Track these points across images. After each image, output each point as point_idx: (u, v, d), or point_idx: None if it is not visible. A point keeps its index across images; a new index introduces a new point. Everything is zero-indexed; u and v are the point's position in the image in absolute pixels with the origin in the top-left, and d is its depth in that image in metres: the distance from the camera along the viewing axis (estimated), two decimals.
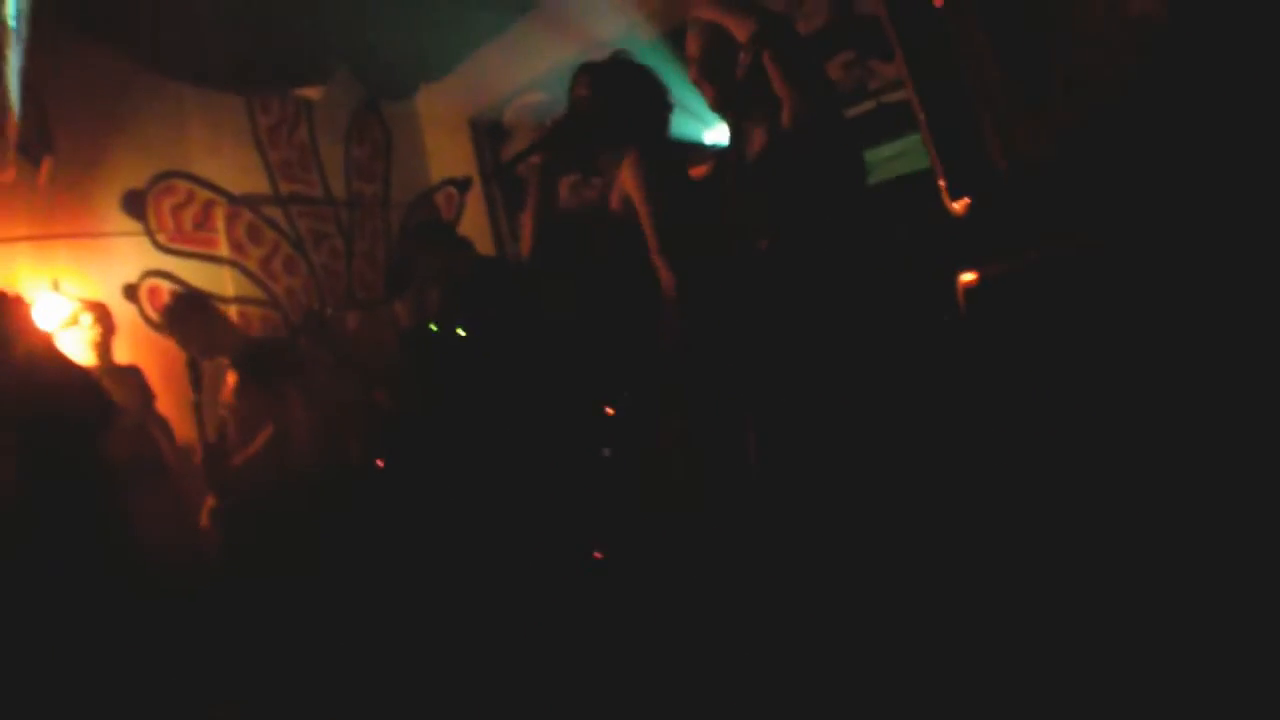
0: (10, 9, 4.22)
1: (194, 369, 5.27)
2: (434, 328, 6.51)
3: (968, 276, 2.88)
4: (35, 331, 4.59)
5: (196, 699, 4.51)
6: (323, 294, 7.34)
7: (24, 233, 5.45)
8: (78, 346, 5.52)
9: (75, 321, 5.50)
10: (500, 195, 7.94)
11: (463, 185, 7.85)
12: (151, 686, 4.23)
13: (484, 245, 7.68)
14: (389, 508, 5.85)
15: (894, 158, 5.05)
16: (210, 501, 5.40)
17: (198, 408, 5.21)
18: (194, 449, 5.40)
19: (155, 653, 4.34)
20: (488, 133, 7.92)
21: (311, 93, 7.45)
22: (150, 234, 6.32)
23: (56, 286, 5.55)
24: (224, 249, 6.81)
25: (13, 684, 3.79)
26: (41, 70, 5.04)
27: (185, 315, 5.59)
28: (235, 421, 5.49)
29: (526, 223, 3.76)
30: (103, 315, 5.55)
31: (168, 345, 6.09)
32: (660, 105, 3.59)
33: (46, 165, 5.54)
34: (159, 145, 6.42)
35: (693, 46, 3.27)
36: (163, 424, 5.58)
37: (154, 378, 5.62)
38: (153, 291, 6.25)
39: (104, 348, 5.51)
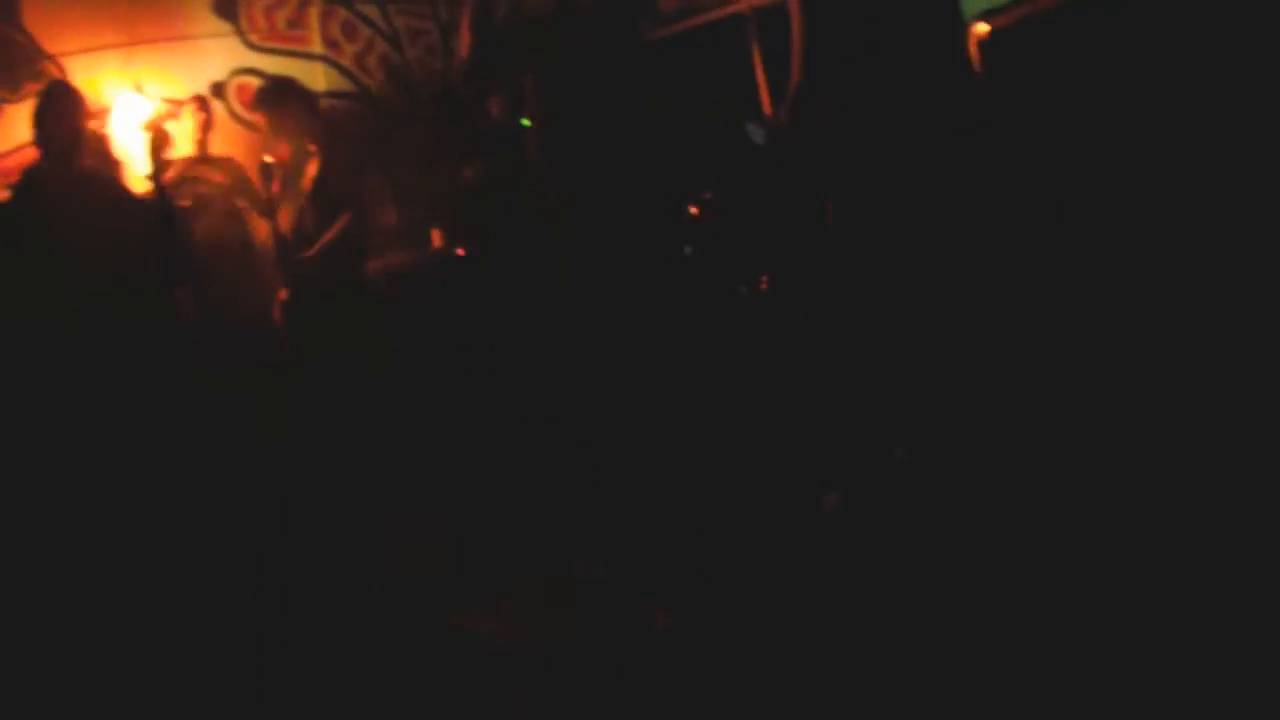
0: None
1: (266, 170, 5.78)
2: (526, 122, 6.84)
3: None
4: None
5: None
6: (417, 90, 7.65)
7: (109, 40, 5.99)
8: (176, 137, 6.15)
9: (161, 118, 6.10)
10: None
11: None
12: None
13: None
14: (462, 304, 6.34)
15: None
16: (281, 294, 5.84)
17: (271, 205, 5.75)
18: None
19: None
20: None
21: None
22: (241, 34, 6.76)
23: (139, 89, 6.09)
24: (317, 45, 7.15)
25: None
26: None
27: (277, 99, 5.94)
28: (313, 211, 5.86)
29: None
30: (201, 106, 6.11)
31: (255, 141, 6.59)
32: None
33: None
34: None
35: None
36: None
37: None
38: (241, 89, 6.70)
39: (202, 139, 6.11)
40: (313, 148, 5.84)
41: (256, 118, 6.12)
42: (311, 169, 5.82)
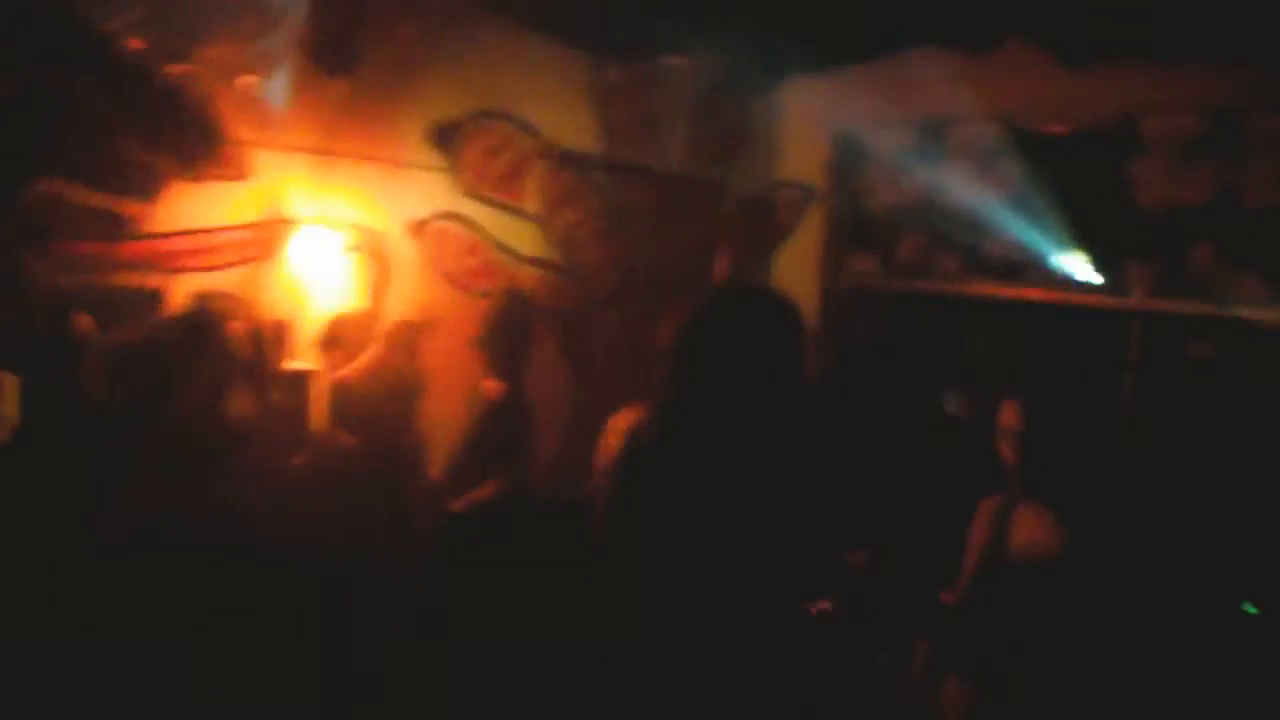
0: None
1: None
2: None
3: None
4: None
5: None
6: (631, 271, 6.55)
7: (307, 144, 4.85)
8: (351, 283, 4.95)
9: (349, 251, 4.93)
10: (844, 222, 7.05)
11: (808, 193, 7.05)
12: None
13: (806, 268, 7.01)
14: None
15: None
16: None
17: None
18: None
19: None
20: (851, 149, 6.94)
21: (667, 63, 6.65)
22: (454, 172, 5.64)
23: (328, 221, 4.94)
24: (534, 205, 6.09)
25: None
26: None
27: (517, 319, 4.86)
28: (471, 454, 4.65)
29: None
30: (378, 256, 4.94)
31: (446, 294, 5.50)
32: None
33: (343, 83, 4.94)
34: (483, 84, 5.73)
35: None
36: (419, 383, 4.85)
37: (429, 328, 4.94)
38: (443, 234, 5.59)
39: (378, 293, 4.90)
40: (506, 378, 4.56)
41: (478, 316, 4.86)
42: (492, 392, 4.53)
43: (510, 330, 4.69)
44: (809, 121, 6.98)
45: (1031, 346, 5.99)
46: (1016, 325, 6.10)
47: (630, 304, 6.53)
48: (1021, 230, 5.99)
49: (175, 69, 4.16)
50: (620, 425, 2.80)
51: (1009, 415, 3.57)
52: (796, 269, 7.06)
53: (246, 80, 4.45)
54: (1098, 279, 5.83)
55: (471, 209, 5.74)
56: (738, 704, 2.66)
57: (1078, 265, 5.87)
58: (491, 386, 4.51)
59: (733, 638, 2.68)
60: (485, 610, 3.72)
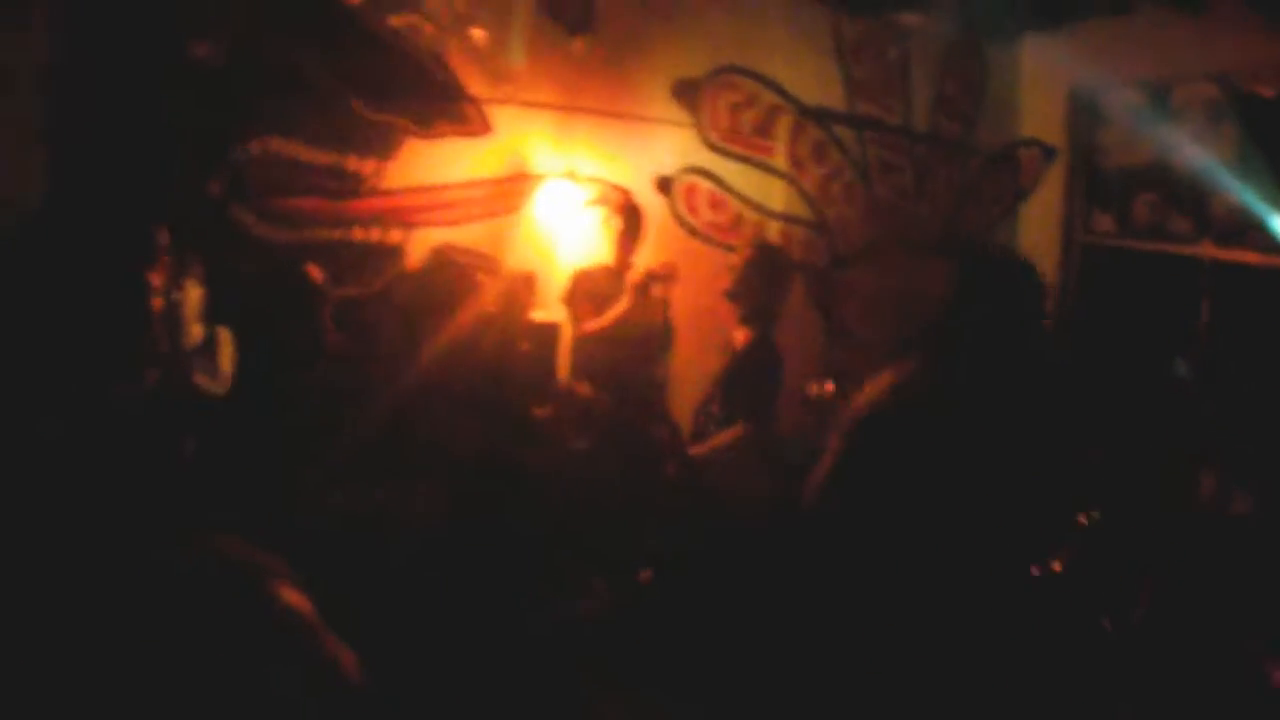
0: None
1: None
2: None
3: None
4: None
5: None
6: (879, 226, 6.24)
7: (547, 100, 4.76)
8: (596, 237, 4.83)
9: (594, 205, 4.81)
10: (1084, 180, 6.62)
11: (1049, 153, 6.70)
12: None
13: (1048, 227, 6.70)
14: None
15: None
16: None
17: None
18: None
19: None
20: (1086, 107, 6.49)
21: (908, 19, 6.30)
22: (700, 128, 5.47)
23: (573, 176, 4.83)
24: (782, 161, 5.85)
25: None
26: None
27: (769, 271, 4.57)
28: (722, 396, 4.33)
29: None
30: (631, 210, 4.80)
31: (693, 248, 5.32)
32: None
33: (584, 39, 4.84)
34: (725, 40, 5.56)
35: None
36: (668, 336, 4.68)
37: (676, 282, 4.76)
38: (690, 189, 5.44)
39: (624, 248, 4.75)
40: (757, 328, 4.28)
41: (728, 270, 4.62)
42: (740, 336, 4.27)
43: (761, 282, 4.43)
44: (1046, 79, 6.65)
45: (1253, 313, 5.57)
46: (1240, 290, 5.68)
47: (880, 259, 6.23)
48: (1243, 193, 5.55)
49: (396, 20, 4.11)
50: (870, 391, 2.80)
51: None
52: (1038, 227, 6.75)
53: (476, 33, 4.38)
54: None
55: (718, 164, 5.56)
56: (959, 660, 2.68)
57: None
58: (741, 336, 4.28)
59: (962, 599, 2.70)
60: (722, 554, 3.48)
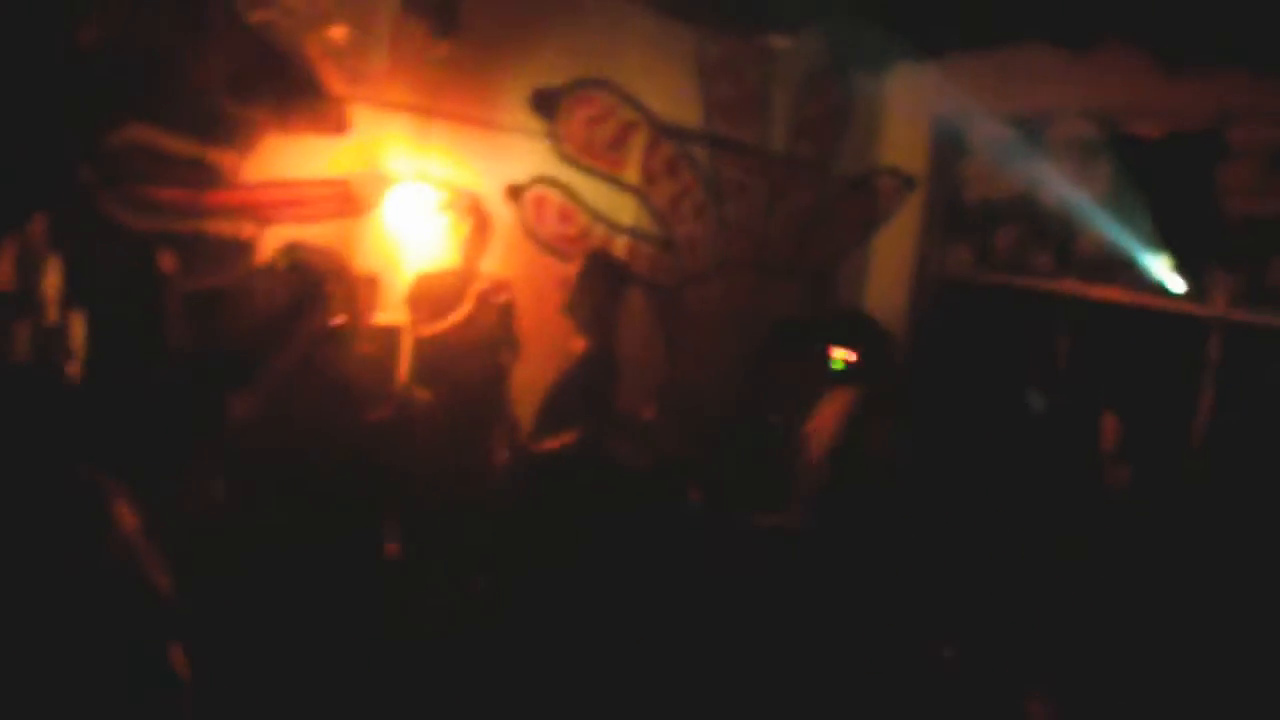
0: None
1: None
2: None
3: None
4: None
5: None
6: (728, 246, 6.50)
7: (407, 101, 4.84)
8: (443, 241, 4.94)
9: (444, 210, 4.91)
10: (941, 212, 6.96)
11: (908, 182, 6.99)
12: None
13: (901, 255, 6.98)
14: None
15: None
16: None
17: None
18: None
19: None
20: (951, 138, 6.80)
21: (775, 41, 6.54)
22: (555, 139, 5.60)
23: (426, 180, 4.94)
24: (633, 176, 6.02)
25: None
26: None
27: (604, 282, 4.80)
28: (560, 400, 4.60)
29: None
30: (479, 217, 4.92)
31: (539, 259, 5.47)
32: None
33: (446, 44, 4.92)
34: (585, 52, 5.68)
35: None
36: (512, 344, 4.83)
37: (521, 291, 4.92)
38: (540, 200, 5.56)
39: (470, 254, 4.87)
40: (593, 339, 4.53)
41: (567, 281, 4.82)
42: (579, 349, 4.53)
43: (595, 292, 4.64)
44: (911, 109, 6.89)
45: (1114, 349, 5.88)
46: (1102, 326, 5.97)
47: (728, 278, 6.47)
48: (1112, 231, 5.84)
49: (256, 16, 4.15)
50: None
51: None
52: (892, 255, 7.00)
53: (337, 31, 4.43)
54: (1181, 285, 5.67)
55: (571, 176, 5.69)
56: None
57: (1163, 270, 5.70)
58: (578, 344, 4.48)
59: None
60: (548, 549, 3.67)
